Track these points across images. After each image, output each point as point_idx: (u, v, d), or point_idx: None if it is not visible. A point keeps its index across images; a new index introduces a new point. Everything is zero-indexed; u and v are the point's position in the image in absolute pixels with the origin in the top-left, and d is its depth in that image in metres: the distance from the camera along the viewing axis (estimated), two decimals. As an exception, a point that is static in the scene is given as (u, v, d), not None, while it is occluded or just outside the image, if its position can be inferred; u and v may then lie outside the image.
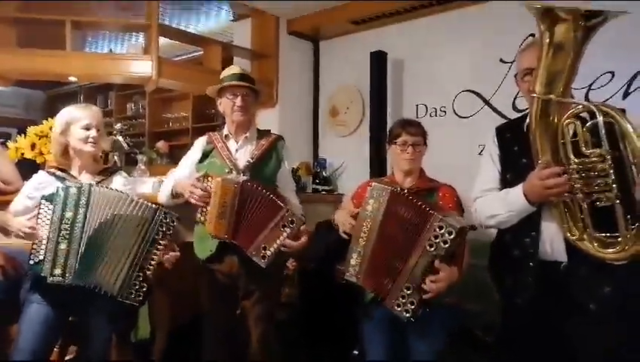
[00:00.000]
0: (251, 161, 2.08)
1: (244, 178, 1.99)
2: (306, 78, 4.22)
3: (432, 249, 1.66)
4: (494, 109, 3.19)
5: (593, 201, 1.39)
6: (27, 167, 2.56)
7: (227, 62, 3.96)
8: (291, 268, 2.80)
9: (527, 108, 1.61)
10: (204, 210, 1.99)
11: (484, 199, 1.75)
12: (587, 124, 1.36)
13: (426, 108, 3.53)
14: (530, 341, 1.62)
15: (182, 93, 5.51)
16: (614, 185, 1.33)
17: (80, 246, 1.74)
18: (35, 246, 1.75)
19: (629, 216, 1.34)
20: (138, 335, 2.55)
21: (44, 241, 1.73)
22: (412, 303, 1.70)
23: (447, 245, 1.64)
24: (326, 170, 3.98)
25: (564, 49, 1.35)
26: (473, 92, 3.30)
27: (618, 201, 1.33)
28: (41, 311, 1.77)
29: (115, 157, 3.35)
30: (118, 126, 3.53)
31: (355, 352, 2.62)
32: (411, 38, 3.60)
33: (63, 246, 1.73)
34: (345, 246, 1.88)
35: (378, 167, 3.36)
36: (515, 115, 2.89)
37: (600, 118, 1.32)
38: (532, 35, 2.38)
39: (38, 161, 2.76)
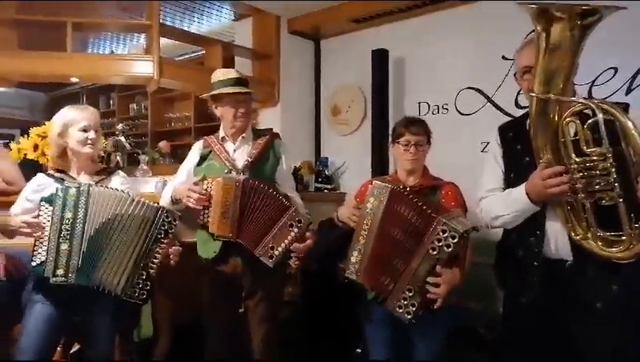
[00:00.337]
0: (250, 160, 2.08)
1: (245, 176, 1.99)
2: (308, 77, 4.21)
3: (435, 252, 1.66)
4: (497, 106, 3.18)
5: (596, 200, 1.38)
6: (30, 168, 2.58)
7: (228, 61, 3.97)
8: (294, 267, 2.80)
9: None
10: (205, 212, 2.00)
11: (488, 200, 1.74)
12: (587, 122, 1.35)
13: (428, 105, 3.52)
14: (534, 340, 1.62)
15: (184, 93, 5.51)
16: (616, 184, 1.32)
17: (82, 246, 1.75)
18: (36, 247, 1.75)
19: (632, 215, 1.33)
20: (141, 334, 2.56)
21: (45, 242, 1.74)
22: (413, 305, 1.70)
23: (450, 249, 1.64)
24: (328, 169, 3.98)
25: (561, 48, 1.34)
26: (475, 89, 3.29)
27: (621, 200, 1.32)
28: (44, 311, 1.78)
29: (118, 158, 3.36)
30: (120, 126, 3.54)
31: (358, 351, 2.63)
32: (413, 35, 3.58)
33: (64, 246, 1.74)
34: (347, 245, 1.88)
35: (380, 165, 3.35)
36: (517, 112, 2.89)
37: (600, 116, 1.30)
38: (533, 31, 2.37)
39: (41, 161, 2.77)
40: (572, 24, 1.30)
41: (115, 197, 1.79)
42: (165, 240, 1.81)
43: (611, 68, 2.72)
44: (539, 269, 1.57)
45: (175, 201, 2.08)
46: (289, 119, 4.02)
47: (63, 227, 1.74)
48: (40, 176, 1.94)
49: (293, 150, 3.87)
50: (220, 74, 2.15)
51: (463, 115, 3.36)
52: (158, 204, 1.90)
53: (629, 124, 1.28)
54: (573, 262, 1.53)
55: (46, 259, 1.73)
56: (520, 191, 1.56)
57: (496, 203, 1.68)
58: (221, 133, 2.18)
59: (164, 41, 3.44)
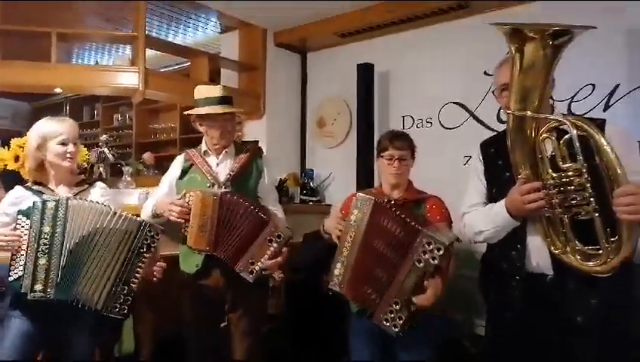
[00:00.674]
0: (232, 174, 2.07)
1: (224, 190, 1.99)
2: (294, 90, 4.23)
3: (422, 265, 1.66)
4: (479, 121, 3.24)
5: (573, 215, 1.40)
6: (11, 179, 2.53)
7: (214, 73, 3.97)
8: (278, 279, 2.79)
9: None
10: (187, 225, 1.99)
11: (471, 215, 1.76)
12: (563, 138, 1.38)
13: (413, 119, 3.57)
14: (518, 354, 1.62)
15: (169, 104, 5.50)
16: (592, 199, 1.34)
17: (61, 260, 1.71)
18: (13, 261, 1.72)
19: (608, 229, 1.34)
20: (122, 349, 2.51)
21: (23, 257, 1.70)
22: (400, 318, 1.70)
23: (436, 261, 1.64)
24: (314, 181, 3.99)
25: (535, 66, 1.38)
26: (458, 104, 3.34)
27: (597, 214, 1.34)
28: (21, 327, 1.75)
29: (101, 169, 3.33)
30: (103, 137, 3.51)
31: (343, 363, 2.61)
32: (397, 50, 3.64)
33: (42, 261, 1.70)
34: (332, 257, 1.88)
35: (365, 178, 3.37)
36: (499, 126, 2.94)
37: (574, 132, 1.33)
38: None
39: (22, 172, 2.73)
40: (544, 43, 1.34)
41: (96, 211, 1.75)
42: (147, 255, 1.78)
43: (589, 84, 2.79)
44: (521, 284, 1.59)
45: (156, 216, 2.06)
46: (275, 131, 4.04)
47: (41, 241, 1.70)
48: (18, 188, 1.89)
49: (279, 162, 3.88)
50: (204, 91, 2.13)
51: (446, 128, 3.41)
52: (139, 216, 1.88)
53: (602, 140, 1.30)
54: (554, 276, 1.54)
55: (23, 273, 1.69)
56: (500, 206, 1.58)
57: (479, 218, 1.70)
58: (203, 146, 2.17)
59: (149, 52, 3.44)
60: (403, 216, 1.74)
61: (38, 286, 1.69)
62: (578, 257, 1.43)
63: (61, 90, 3.72)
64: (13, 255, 1.72)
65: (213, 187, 2.03)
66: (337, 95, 3.96)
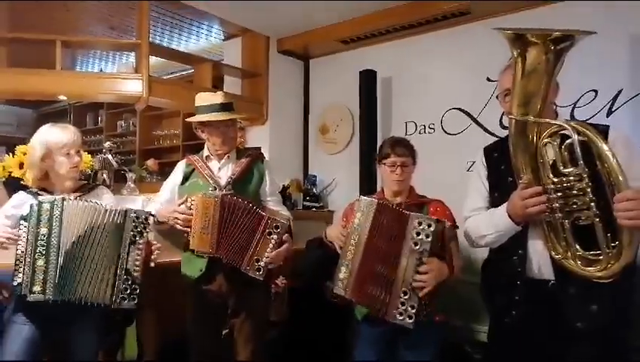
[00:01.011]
0: (233, 177, 2.09)
1: (224, 192, 2.00)
2: (296, 96, 4.25)
3: (418, 246, 1.73)
4: (482, 126, 3.23)
5: (574, 220, 1.40)
6: (15, 186, 2.54)
7: (218, 80, 3.99)
8: (281, 286, 2.79)
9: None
10: (190, 231, 1.99)
11: (473, 219, 1.77)
12: (564, 143, 1.38)
13: (415, 125, 3.57)
14: (519, 359, 1.62)
15: (172, 111, 5.51)
16: (592, 204, 1.34)
17: (58, 260, 1.72)
18: (16, 266, 1.73)
19: (609, 234, 1.34)
20: (125, 355, 2.51)
21: (23, 261, 1.72)
22: (412, 307, 1.72)
23: (430, 238, 1.71)
24: (316, 187, 4.00)
25: (537, 71, 1.38)
26: (461, 110, 3.35)
27: (598, 219, 1.34)
28: (25, 330, 1.76)
29: (105, 175, 3.33)
30: (107, 144, 3.51)
31: (346, 371, 2.60)
32: (400, 56, 3.65)
33: (40, 262, 1.72)
34: (335, 264, 1.88)
35: (368, 184, 3.37)
36: (502, 132, 2.94)
37: (575, 137, 1.33)
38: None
39: (25, 179, 2.74)
40: (547, 48, 1.34)
41: (88, 209, 1.78)
42: (142, 241, 1.80)
43: (592, 90, 2.79)
44: (522, 289, 1.59)
45: (158, 223, 2.07)
46: (278, 137, 4.05)
47: (38, 243, 1.72)
48: (21, 193, 1.92)
49: (282, 168, 3.89)
50: (206, 97, 2.13)
51: (449, 134, 3.41)
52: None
53: (604, 145, 1.30)
54: (556, 282, 1.54)
55: (22, 276, 1.71)
56: (501, 211, 1.58)
57: (481, 222, 1.71)
58: (205, 152, 2.19)
59: (153, 59, 3.46)
60: (399, 209, 1.82)
61: (37, 288, 1.70)
62: (579, 262, 1.42)
63: (65, 97, 3.74)
64: (16, 260, 1.73)
65: (215, 190, 2.03)
66: (340, 101, 3.97)
